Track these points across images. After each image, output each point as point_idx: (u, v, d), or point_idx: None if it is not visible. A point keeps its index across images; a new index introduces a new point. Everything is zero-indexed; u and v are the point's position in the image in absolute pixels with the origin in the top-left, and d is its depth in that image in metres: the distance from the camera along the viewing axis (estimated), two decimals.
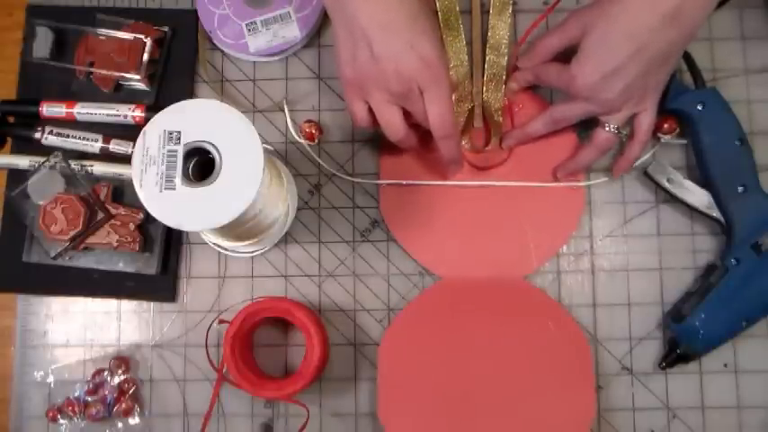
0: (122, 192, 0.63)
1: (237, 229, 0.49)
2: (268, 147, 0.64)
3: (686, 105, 0.60)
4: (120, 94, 0.65)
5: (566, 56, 0.57)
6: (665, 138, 0.62)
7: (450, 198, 0.62)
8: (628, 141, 0.59)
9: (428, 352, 0.60)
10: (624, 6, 0.53)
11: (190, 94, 0.65)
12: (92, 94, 0.65)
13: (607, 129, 0.58)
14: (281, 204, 0.55)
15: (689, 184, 0.61)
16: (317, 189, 0.64)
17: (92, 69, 0.64)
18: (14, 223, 0.63)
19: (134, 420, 0.61)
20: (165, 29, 0.65)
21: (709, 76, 0.63)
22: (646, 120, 0.58)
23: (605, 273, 0.62)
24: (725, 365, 0.61)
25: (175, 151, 0.42)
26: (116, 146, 0.63)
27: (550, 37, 0.59)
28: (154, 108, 0.64)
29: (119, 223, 0.61)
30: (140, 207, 0.62)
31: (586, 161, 0.60)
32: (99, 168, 0.63)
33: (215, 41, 0.65)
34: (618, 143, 0.60)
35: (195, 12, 0.65)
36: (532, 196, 0.62)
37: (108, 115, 0.64)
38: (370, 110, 0.55)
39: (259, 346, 0.62)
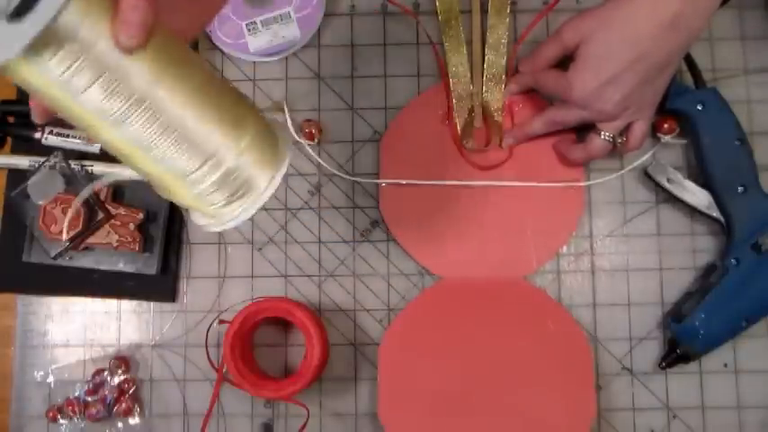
0: (122, 192, 0.63)
1: (121, 129, 0.36)
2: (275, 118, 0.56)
3: (686, 105, 0.60)
4: None
5: (564, 64, 0.57)
6: (665, 138, 0.62)
7: (450, 198, 0.62)
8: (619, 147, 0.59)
9: (428, 352, 0.60)
10: (623, 14, 0.52)
11: None
12: None
13: (602, 136, 0.57)
14: (228, 127, 0.40)
15: (689, 184, 0.61)
16: (317, 189, 0.64)
17: None
18: (14, 223, 0.63)
19: (134, 420, 0.61)
20: None
21: (709, 76, 0.63)
22: (640, 129, 0.58)
23: (605, 273, 0.62)
24: (725, 365, 0.61)
25: None
26: None
27: (547, 45, 0.58)
28: None
29: (119, 223, 0.61)
30: (140, 207, 0.62)
31: (576, 160, 0.60)
32: (99, 168, 0.63)
33: (215, 41, 0.65)
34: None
35: None
36: (532, 196, 0.62)
37: None
38: None
39: (259, 346, 0.62)
